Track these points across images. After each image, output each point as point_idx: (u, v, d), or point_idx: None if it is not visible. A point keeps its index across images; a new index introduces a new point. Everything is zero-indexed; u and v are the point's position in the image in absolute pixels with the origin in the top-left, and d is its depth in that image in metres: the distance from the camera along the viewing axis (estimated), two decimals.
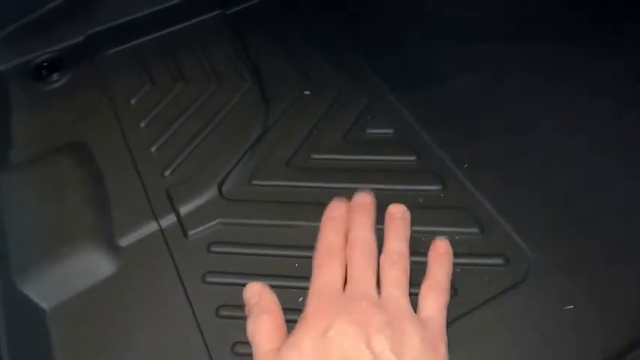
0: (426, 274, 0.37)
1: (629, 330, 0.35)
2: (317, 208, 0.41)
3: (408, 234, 0.39)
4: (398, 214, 0.40)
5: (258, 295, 0.36)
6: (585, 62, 0.49)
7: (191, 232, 0.41)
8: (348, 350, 0.31)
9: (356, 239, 0.37)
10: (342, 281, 0.36)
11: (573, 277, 0.37)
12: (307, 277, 0.38)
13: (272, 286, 0.38)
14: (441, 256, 0.37)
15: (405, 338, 0.32)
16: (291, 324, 0.35)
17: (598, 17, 0.52)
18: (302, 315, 0.34)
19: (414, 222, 0.40)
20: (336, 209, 0.40)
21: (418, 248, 0.39)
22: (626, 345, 0.34)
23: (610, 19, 0.52)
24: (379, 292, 0.35)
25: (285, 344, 0.33)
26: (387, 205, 0.41)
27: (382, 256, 0.37)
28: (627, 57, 0.49)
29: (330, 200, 0.41)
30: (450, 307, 0.36)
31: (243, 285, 0.38)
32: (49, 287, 0.39)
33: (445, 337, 0.34)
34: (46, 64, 0.54)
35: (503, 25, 0.53)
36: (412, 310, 0.35)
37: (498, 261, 0.38)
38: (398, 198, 0.42)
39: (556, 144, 0.44)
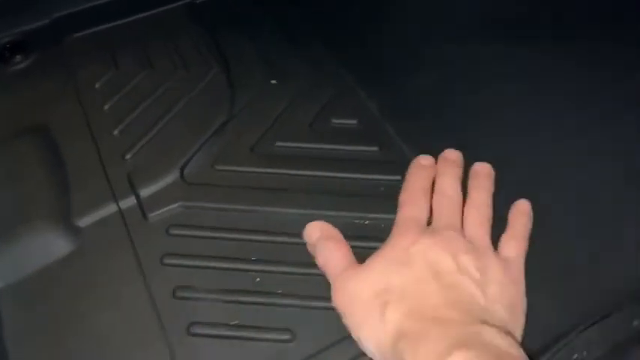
0: (507, 228, 0.38)
1: (573, 316, 0.36)
2: (278, 194, 0.42)
3: (492, 188, 0.40)
4: (484, 170, 0.41)
5: (319, 230, 0.37)
6: (545, 59, 0.50)
7: (151, 215, 0.41)
8: (433, 259, 0.32)
9: (444, 186, 0.39)
10: (427, 218, 0.37)
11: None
12: (265, 260, 0.38)
13: (229, 269, 0.38)
14: (520, 213, 0.38)
15: (489, 265, 0.33)
16: (254, 306, 0.36)
17: (559, 18, 0.54)
18: (389, 237, 0.35)
19: (373, 210, 0.41)
20: (425, 159, 0.41)
21: (377, 235, 0.39)
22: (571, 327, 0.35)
23: (569, 19, 0.54)
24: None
25: (370, 258, 0.34)
26: (351, 194, 0.42)
27: (466, 205, 0.38)
28: (583, 55, 0.50)
29: (292, 187, 0.42)
30: None
31: (201, 267, 0.38)
32: (3, 266, 0.38)
33: (523, 280, 0.35)
34: (8, 45, 0.53)
35: (470, 21, 0.54)
36: (494, 249, 0.35)
37: None
38: (359, 186, 0.43)
39: (514, 138, 0.45)
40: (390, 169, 0.43)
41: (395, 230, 0.36)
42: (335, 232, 0.37)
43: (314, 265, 0.37)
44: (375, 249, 0.38)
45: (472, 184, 0.40)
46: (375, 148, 0.45)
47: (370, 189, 0.42)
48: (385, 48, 0.53)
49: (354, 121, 0.47)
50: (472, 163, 0.43)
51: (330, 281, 0.35)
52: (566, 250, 0.38)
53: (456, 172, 0.40)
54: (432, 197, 0.39)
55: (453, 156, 0.41)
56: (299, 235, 0.39)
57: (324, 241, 0.36)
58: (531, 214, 0.39)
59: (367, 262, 0.33)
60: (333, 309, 0.35)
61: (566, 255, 0.38)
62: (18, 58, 0.52)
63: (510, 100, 0.48)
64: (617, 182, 0.42)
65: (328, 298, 0.35)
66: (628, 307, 0.35)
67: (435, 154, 0.44)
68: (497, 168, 0.43)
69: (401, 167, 0.43)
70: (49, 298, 0.38)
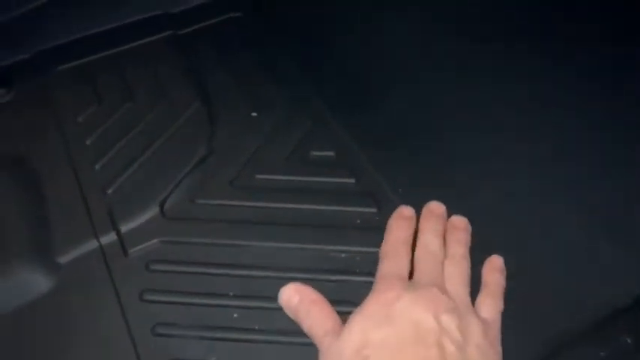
0: (482, 286, 0.38)
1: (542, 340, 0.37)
2: (257, 227, 0.43)
3: (469, 242, 0.40)
4: (461, 225, 0.40)
5: (297, 294, 0.35)
6: (519, 77, 0.52)
7: (131, 250, 0.42)
8: (416, 318, 0.32)
9: (427, 242, 0.38)
10: (408, 271, 0.36)
11: None
12: (243, 296, 0.39)
13: (208, 305, 0.39)
14: (494, 270, 0.38)
15: (469, 326, 0.33)
16: (232, 342, 0.37)
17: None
18: (370, 292, 0.34)
19: (350, 242, 0.42)
20: (407, 210, 0.41)
21: (353, 268, 0.40)
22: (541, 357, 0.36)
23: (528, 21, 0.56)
24: None
25: (351, 316, 0.33)
26: (328, 226, 0.43)
27: (446, 262, 0.38)
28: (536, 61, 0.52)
29: (270, 220, 0.43)
30: None
31: (181, 303, 0.39)
32: None
33: (500, 341, 0.35)
34: None
35: (439, 45, 0.55)
36: (473, 308, 0.36)
37: None
38: (336, 218, 0.43)
39: (483, 165, 0.46)
40: (367, 201, 0.44)
41: (377, 285, 0.35)
42: (314, 294, 0.35)
43: None
44: (349, 282, 0.40)
45: (451, 238, 0.40)
46: (351, 180, 0.46)
47: (347, 221, 0.43)
48: (361, 77, 0.54)
49: (331, 153, 0.48)
50: (443, 190, 0.44)
51: (317, 345, 0.34)
52: (526, 285, 0.39)
53: (440, 227, 0.40)
54: (413, 248, 0.39)
55: (437, 210, 0.41)
56: (276, 268, 0.40)
57: (306, 307, 0.35)
58: (504, 269, 0.39)
59: (348, 321, 0.33)
60: (310, 344, 0.35)
61: (526, 289, 0.39)
62: (1, 91, 0.53)
63: (488, 125, 0.49)
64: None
65: (305, 334, 0.36)
66: (595, 338, 0.36)
67: (409, 182, 0.45)
68: (470, 193, 0.44)
69: (377, 199, 0.44)
70: (29, 335, 0.38)
